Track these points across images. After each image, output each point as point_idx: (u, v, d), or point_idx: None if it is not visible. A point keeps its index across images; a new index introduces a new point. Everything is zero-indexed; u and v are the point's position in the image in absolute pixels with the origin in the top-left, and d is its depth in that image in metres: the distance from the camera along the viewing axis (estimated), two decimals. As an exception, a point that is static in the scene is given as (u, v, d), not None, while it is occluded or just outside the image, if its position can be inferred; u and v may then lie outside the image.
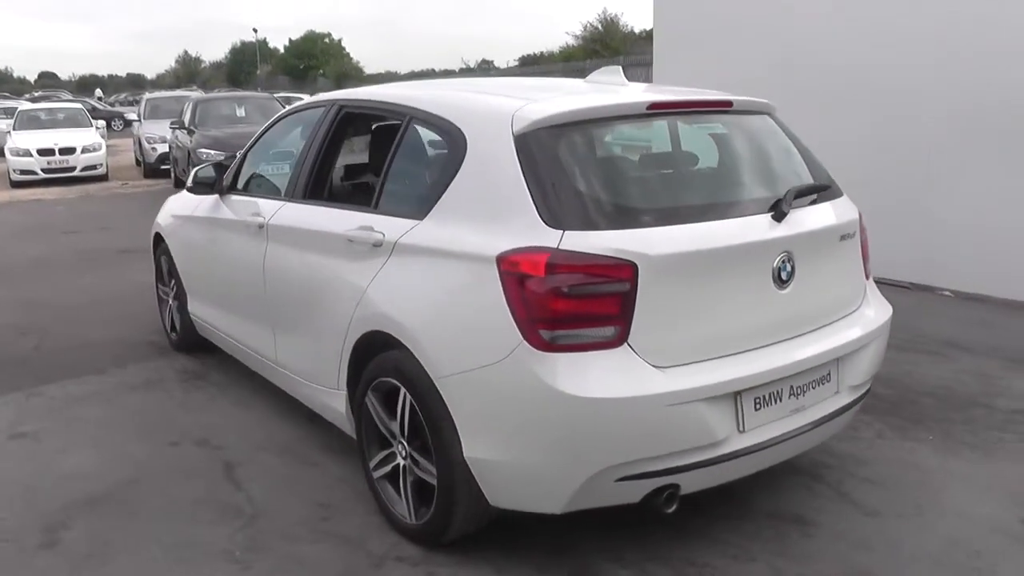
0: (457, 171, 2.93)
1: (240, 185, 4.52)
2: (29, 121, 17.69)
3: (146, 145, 16.64)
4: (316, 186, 3.77)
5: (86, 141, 16.50)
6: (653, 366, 2.61)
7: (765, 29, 7.83)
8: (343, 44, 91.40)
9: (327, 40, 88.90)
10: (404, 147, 3.32)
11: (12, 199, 14.34)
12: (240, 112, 14.79)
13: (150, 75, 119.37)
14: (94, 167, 16.41)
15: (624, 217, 2.71)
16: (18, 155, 16.05)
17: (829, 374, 3.07)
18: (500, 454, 2.67)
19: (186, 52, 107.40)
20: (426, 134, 3.31)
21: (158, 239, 5.47)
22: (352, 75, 79.74)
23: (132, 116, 24.72)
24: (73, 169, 16.19)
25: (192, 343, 5.26)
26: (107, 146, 17.29)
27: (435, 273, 2.85)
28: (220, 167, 4.57)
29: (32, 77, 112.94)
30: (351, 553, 3.06)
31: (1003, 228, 6.34)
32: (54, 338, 5.84)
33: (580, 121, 2.88)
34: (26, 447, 4.05)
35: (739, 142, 3.32)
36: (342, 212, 3.45)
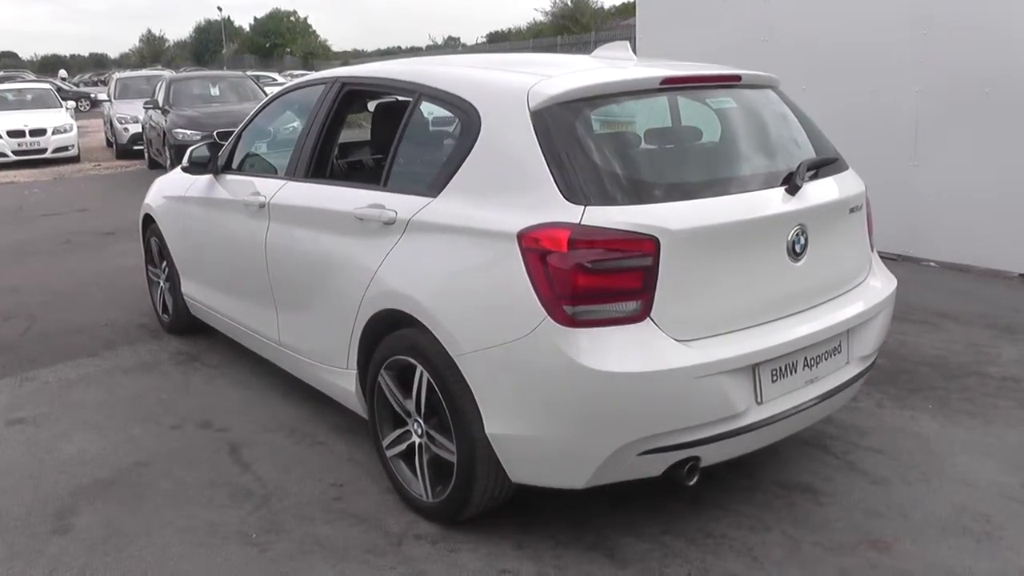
0: (471, 148, 2.90)
1: (235, 165, 4.45)
2: (-3, 102, 17.32)
3: (118, 126, 16.35)
4: (319, 165, 3.72)
5: (57, 122, 16.19)
6: (676, 340, 2.62)
7: (748, 4, 7.83)
8: (309, 22, 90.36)
9: (293, 18, 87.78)
10: (414, 124, 3.29)
11: (-18, 182, 14.07)
12: (215, 91, 14.59)
13: (113, 54, 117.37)
14: (65, 148, 16.12)
15: (644, 192, 2.70)
16: (-13, 137, 15.73)
17: (840, 345, 3.10)
18: (522, 430, 2.67)
19: (150, 31, 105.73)
20: (437, 111, 3.28)
21: (148, 220, 5.38)
22: (319, 54, 78.90)
23: (100, 96, 24.27)
24: (44, 151, 15.90)
25: (184, 325, 5.20)
26: (77, 127, 16.96)
27: (452, 250, 2.83)
28: (214, 146, 4.50)
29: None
30: (368, 532, 3.05)
31: (985, 201, 6.44)
32: (42, 322, 5.74)
33: (595, 96, 2.87)
34: (26, 432, 3.99)
35: (747, 116, 3.32)
36: (349, 190, 3.41)
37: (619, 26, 46.55)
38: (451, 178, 2.94)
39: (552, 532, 3.02)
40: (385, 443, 3.24)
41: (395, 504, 3.22)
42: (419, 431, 3.06)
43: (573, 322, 2.54)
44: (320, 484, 3.41)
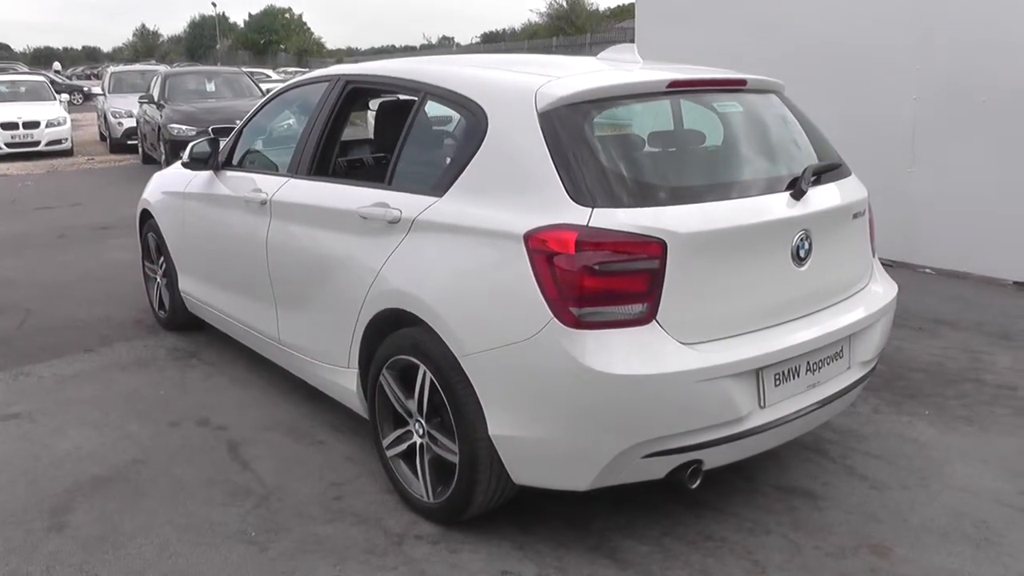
0: (478, 149, 2.90)
1: (236, 161, 4.43)
2: (-11, 94, 17.22)
3: (112, 120, 16.28)
4: (322, 162, 3.71)
5: (50, 115, 16.11)
6: (681, 343, 2.62)
7: (747, 6, 7.85)
8: (304, 19, 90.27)
9: (288, 15, 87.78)
10: (419, 124, 3.29)
11: (-25, 174, 13.98)
12: (210, 87, 14.52)
13: (106, 48, 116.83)
14: (59, 142, 16.03)
15: (651, 195, 2.70)
16: (-20, 129, 15.64)
17: (842, 350, 3.11)
18: (527, 431, 2.67)
19: (144, 25, 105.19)
20: (442, 111, 3.27)
21: (145, 216, 5.36)
22: (313, 51, 78.85)
23: (94, 90, 24.15)
24: (37, 144, 15.81)
25: (181, 321, 5.18)
26: (70, 120, 16.88)
27: (457, 250, 2.83)
28: (214, 142, 4.48)
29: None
30: (369, 531, 3.04)
31: (981, 208, 6.46)
32: (37, 317, 5.71)
33: (603, 99, 2.87)
34: (21, 428, 3.96)
35: (752, 121, 3.32)
36: (353, 189, 3.40)
37: (614, 28, 46.63)
38: (457, 178, 2.93)
39: (553, 533, 3.01)
40: (385, 443, 3.23)
41: (395, 504, 3.21)
42: (420, 431, 3.05)
43: (579, 324, 2.54)
44: (320, 483, 3.39)
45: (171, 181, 5.08)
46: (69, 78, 48.86)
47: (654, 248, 2.57)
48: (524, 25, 63.86)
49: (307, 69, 40.28)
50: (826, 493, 3.33)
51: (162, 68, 18.64)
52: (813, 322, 2.99)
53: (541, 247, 2.58)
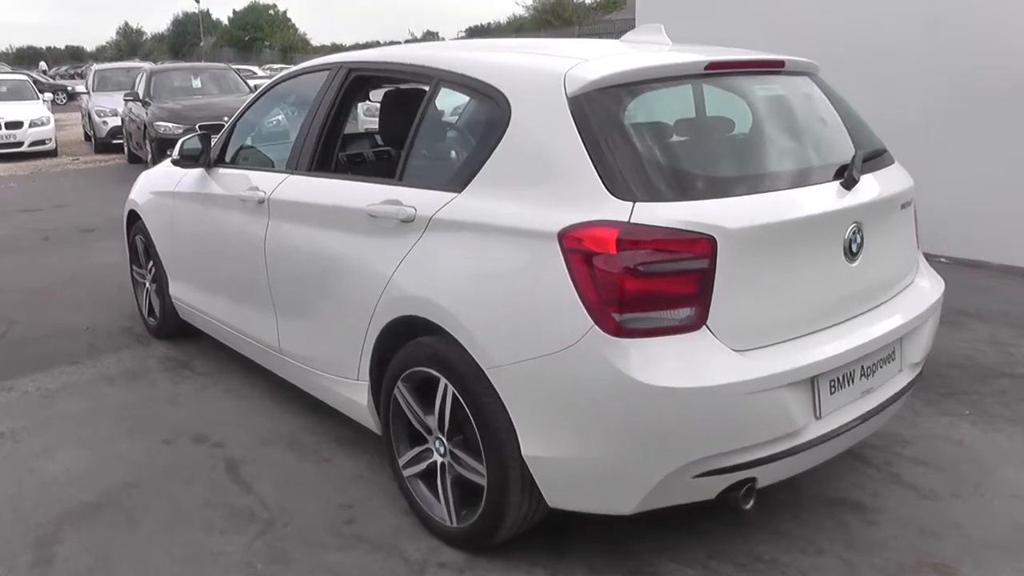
0: (500, 139, 2.63)
1: (229, 158, 4.15)
2: (-29, 94, 16.80)
3: (96, 119, 15.90)
4: (324, 157, 3.43)
5: (34, 115, 15.70)
6: (733, 350, 2.37)
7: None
8: (288, 15, 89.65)
9: (272, 11, 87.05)
10: (432, 113, 3.01)
11: (-44, 176, 13.61)
12: (196, 83, 14.17)
13: (90, 47, 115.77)
14: (43, 142, 15.64)
15: (695, 187, 2.45)
16: (-38, 129, 15.24)
17: (894, 352, 2.87)
18: (565, 451, 2.41)
19: (127, 24, 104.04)
20: (458, 99, 3.00)
21: (133, 217, 5.07)
22: (298, 47, 78.21)
23: (78, 89, 23.72)
24: (21, 144, 15.41)
25: (172, 329, 4.90)
26: (54, 120, 16.49)
27: (482, 251, 2.56)
28: (206, 138, 4.20)
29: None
30: (386, 560, 2.78)
31: (998, 195, 6.29)
32: (21, 326, 5.41)
33: (637, 82, 2.61)
34: (4, 449, 3.68)
35: (789, 105, 3.07)
36: (359, 185, 3.13)
37: (602, 20, 46.30)
38: (478, 171, 2.67)
39: (587, 558, 2.76)
40: (402, 461, 2.96)
41: (414, 528, 2.95)
42: (441, 450, 2.79)
43: (622, 331, 2.28)
44: (329, 505, 3.13)
45: (160, 180, 4.79)
46: (53, 78, 48.23)
47: (703, 246, 2.32)
48: (510, 19, 63.43)
49: (292, 65, 39.67)
50: (876, 505, 3.09)
51: (147, 65, 18.24)
52: (866, 322, 2.74)
53: (578, 246, 2.32)
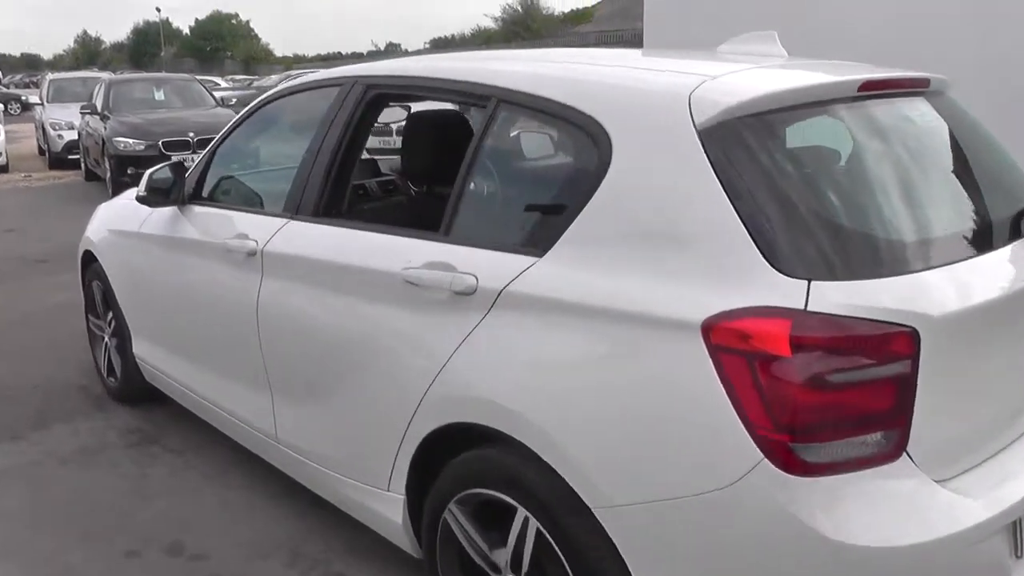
0: (597, 184, 1.92)
1: (207, 193, 3.40)
2: (-86, 106, 15.73)
3: (51, 132, 14.87)
4: (335, 198, 2.68)
5: (-18, 127, 14.69)
6: (936, 481, 1.69)
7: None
8: (251, 25, 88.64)
9: (234, 21, 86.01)
10: (491, 145, 2.27)
11: None
12: (159, 95, 13.26)
13: (47, 56, 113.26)
14: (-9, 157, 14.63)
15: (884, 256, 1.77)
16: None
17: None
18: None
19: (85, 32, 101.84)
20: (528, 125, 2.28)
21: (88, 259, 4.27)
22: (261, 58, 77.16)
23: (32, 99, 22.63)
24: (-33, 160, 14.39)
25: (137, 392, 4.10)
26: (5, 132, 15.44)
27: (584, 344, 1.85)
28: (179, 168, 3.43)
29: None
30: None
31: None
32: (-48, 386, 4.58)
33: (786, 107, 1.92)
34: (-81, 569, 2.89)
35: (944, 136, 2.39)
36: (390, 240, 2.39)
37: (571, 33, 45.83)
38: (566, 228, 1.95)
39: None
40: (454, 602, 2.23)
41: None
42: (513, 597, 2.06)
43: (802, 467, 1.59)
44: (349, 657, 2.39)
45: (121, 216, 3.99)
46: (7, 87, 46.67)
47: (903, 342, 1.64)
48: (475, 30, 62.74)
49: (256, 77, 38.72)
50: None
51: (105, 75, 17.27)
52: None
53: (736, 344, 1.62)
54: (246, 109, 3.37)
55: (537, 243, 2.00)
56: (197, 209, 3.34)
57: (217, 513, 3.19)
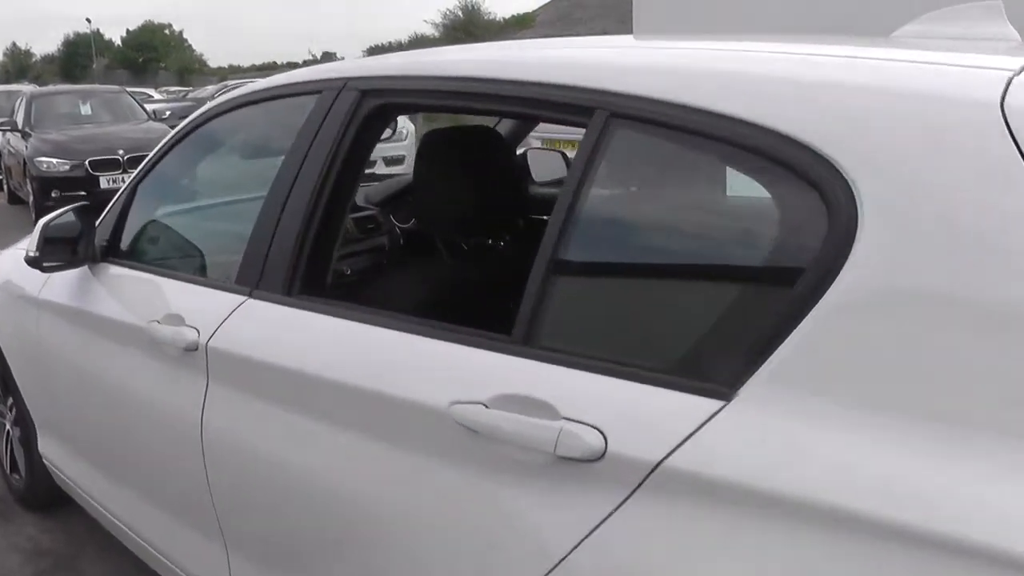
0: (836, 268, 1.05)
1: (127, 245, 2.46)
2: None
3: (-33, 152, 13.63)
4: (317, 269, 1.76)
5: None
6: None
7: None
8: (184, 36, 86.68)
9: (167, 32, 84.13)
10: (599, 191, 1.32)
11: None
12: (85, 110, 12.11)
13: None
14: (-101, 181, 13.25)
15: None
16: None
17: None
18: None
19: (14, 44, 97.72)
20: (676, 159, 1.36)
21: (-23, 325, 3.28)
22: (195, 69, 75.40)
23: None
24: None
25: (45, 495, 3.14)
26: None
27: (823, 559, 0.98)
28: (86, 213, 2.48)
29: None
30: None
31: None
32: None
33: None
34: None
35: None
36: (419, 342, 1.48)
37: (515, 37, 45.12)
38: (773, 349, 1.07)
39: None
40: None
41: None
42: None
43: None
44: None
45: (19, 271, 3.01)
46: (-75, 103, 44.36)
47: None
48: (412, 37, 61.38)
49: (191, 88, 37.08)
50: None
51: (27, 88, 15.96)
52: None
53: None
54: (180, 127, 2.40)
55: (713, 372, 1.11)
56: (113, 271, 2.40)
57: None
